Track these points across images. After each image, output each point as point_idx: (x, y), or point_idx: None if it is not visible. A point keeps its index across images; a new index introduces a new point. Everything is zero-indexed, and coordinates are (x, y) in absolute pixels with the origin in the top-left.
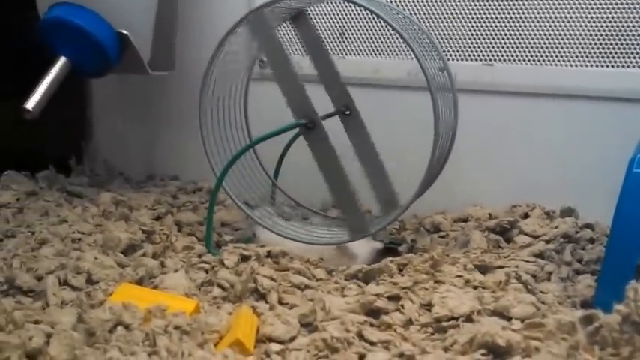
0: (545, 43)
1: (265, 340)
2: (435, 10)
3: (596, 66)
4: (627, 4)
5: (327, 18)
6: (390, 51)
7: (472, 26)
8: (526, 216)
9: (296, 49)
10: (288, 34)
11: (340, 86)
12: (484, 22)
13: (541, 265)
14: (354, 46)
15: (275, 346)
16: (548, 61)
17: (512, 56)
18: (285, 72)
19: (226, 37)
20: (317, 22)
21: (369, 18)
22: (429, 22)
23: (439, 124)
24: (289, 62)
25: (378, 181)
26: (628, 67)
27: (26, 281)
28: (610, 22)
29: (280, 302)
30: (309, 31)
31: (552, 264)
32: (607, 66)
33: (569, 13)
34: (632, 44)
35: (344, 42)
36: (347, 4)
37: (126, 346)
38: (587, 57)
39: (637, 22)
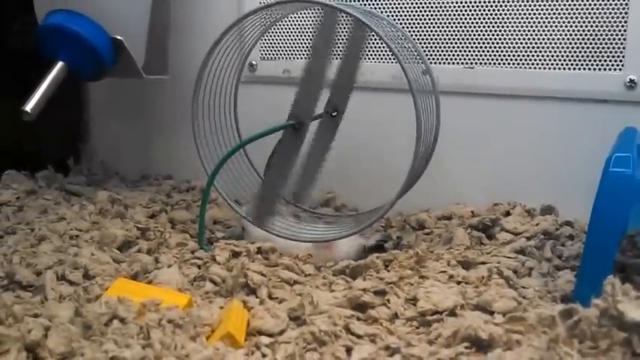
0: (523, 48)
1: (255, 334)
2: (418, 16)
3: (574, 69)
4: (602, 9)
5: (313, 22)
6: (375, 55)
7: (454, 31)
8: (507, 214)
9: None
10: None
11: (346, 90)
12: (465, 27)
13: (522, 261)
14: (339, 50)
15: (265, 339)
16: (527, 64)
17: (492, 60)
18: (318, 73)
19: (217, 42)
20: (303, 28)
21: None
22: (412, 27)
23: (422, 125)
24: (327, 66)
25: (307, 176)
26: (604, 69)
27: (25, 276)
28: (586, 26)
29: (270, 297)
30: (361, 37)
31: (533, 260)
32: (584, 69)
33: (546, 18)
34: (608, 47)
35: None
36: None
37: (121, 338)
38: (564, 60)
39: (611, 26)
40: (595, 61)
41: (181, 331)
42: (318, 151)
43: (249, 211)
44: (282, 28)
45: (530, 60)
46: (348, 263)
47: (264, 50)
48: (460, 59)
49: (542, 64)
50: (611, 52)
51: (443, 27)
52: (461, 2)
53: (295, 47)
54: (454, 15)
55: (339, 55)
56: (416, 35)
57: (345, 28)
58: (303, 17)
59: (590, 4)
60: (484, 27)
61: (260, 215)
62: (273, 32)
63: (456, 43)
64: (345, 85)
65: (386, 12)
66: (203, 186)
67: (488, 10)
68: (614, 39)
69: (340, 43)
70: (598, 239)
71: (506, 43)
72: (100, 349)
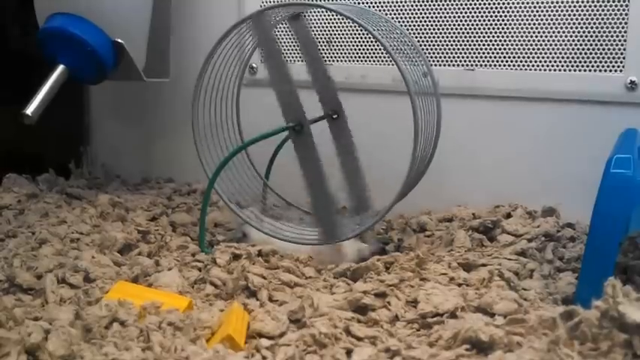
0: (524, 49)
1: (256, 336)
2: (418, 17)
3: (574, 70)
4: (602, 11)
5: (314, 26)
6: (376, 58)
7: (454, 34)
8: (509, 216)
9: (291, 56)
10: (285, 41)
11: (331, 91)
12: (465, 29)
13: (523, 263)
14: (342, 54)
15: (265, 342)
16: (527, 66)
17: (492, 62)
18: (281, 75)
19: (217, 44)
20: None
21: (355, 26)
22: (412, 29)
23: (419, 128)
24: (285, 66)
25: (353, 184)
26: (604, 71)
27: (26, 279)
28: (586, 28)
29: (270, 299)
30: (306, 34)
31: (534, 262)
32: (584, 70)
33: (546, 20)
34: (608, 49)
35: (331, 49)
36: (333, 13)
37: (121, 341)
38: (565, 62)
39: (611, 28)
40: (596, 62)
41: (181, 333)
42: (346, 153)
43: (319, 235)
44: (282, 31)
45: (531, 61)
46: (349, 265)
47: (263, 55)
48: (460, 61)
49: (543, 66)
50: (611, 53)
51: (443, 29)
52: (461, 4)
53: (295, 50)
54: (454, 17)
55: (301, 58)
56: (416, 37)
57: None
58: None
59: (590, 6)
60: (484, 29)
61: (330, 229)
62: (281, 33)
63: (456, 44)
64: (327, 85)
65: (386, 13)
66: (204, 189)
67: (489, 12)
68: (614, 41)
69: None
70: (599, 241)
71: (507, 44)
72: (100, 352)
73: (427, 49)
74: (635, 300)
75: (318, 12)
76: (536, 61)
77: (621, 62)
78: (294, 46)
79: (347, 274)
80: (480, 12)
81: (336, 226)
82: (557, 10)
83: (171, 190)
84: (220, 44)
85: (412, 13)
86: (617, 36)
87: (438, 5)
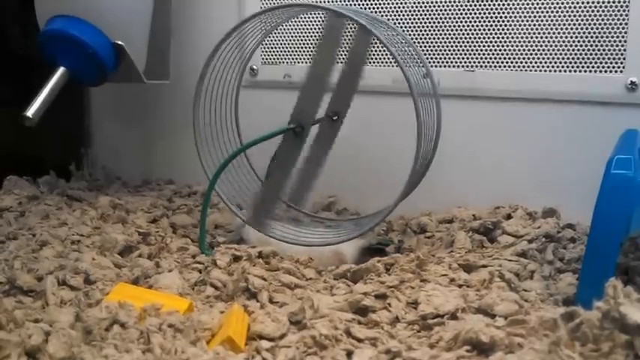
0: (524, 50)
1: (256, 338)
2: (418, 19)
3: (574, 71)
4: (602, 12)
5: (313, 27)
6: (377, 59)
7: (454, 35)
8: (509, 217)
9: (286, 59)
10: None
11: (348, 94)
12: (465, 30)
13: (524, 264)
14: (342, 55)
15: (265, 344)
16: (527, 67)
17: (492, 63)
18: (321, 78)
19: (218, 46)
20: (304, 33)
21: (355, 28)
22: (412, 30)
23: (422, 129)
24: (331, 71)
25: (304, 181)
26: (605, 72)
27: (27, 281)
28: (586, 29)
29: (271, 301)
30: (365, 43)
31: (535, 263)
32: (585, 71)
33: (547, 21)
34: (609, 50)
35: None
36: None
37: (121, 343)
38: (565, 63)
39: (612, 28)
40: (596, 63)
41: (182, 335)
42: (317, 154)
43: (247, 213)
44: (282, 33)
45: (531, 63)
46: (349, 267)
47: (265, 55)
48: (460, 62)
49: (543, 67)
50: (611, 54)
51: (443, 30)
52: (461, 5)
53: (296, 52)
54: (454, 18)
55: (342, 59)
56: (416, 38)
57: (349, 32)
58: (303, 22)
59: (590, 7)
60: (484, 30)
61: (258, 218)
62: (274, 37)
63: (456, 46)
64: (348, 90)
65: (386, 16)
66: (204, 190)
67: (489, 13)
68: (614, 41)
69: (344, 48)
70: (600, 241)
71: (507, 45)
72: (101, 354)
73: (427, 51)
74: (636, 301)
75: (318, 14)
76: (536, 62)
77: (621, 63)
78: (301, 46)
79: (347, 275)
80: (479, 13)
81: (265, 217)
82: (557, 11)
83: (172, 192)
84: (221, 46)
85: (412, 15)
86: (618, 37)
87: (438, 7)
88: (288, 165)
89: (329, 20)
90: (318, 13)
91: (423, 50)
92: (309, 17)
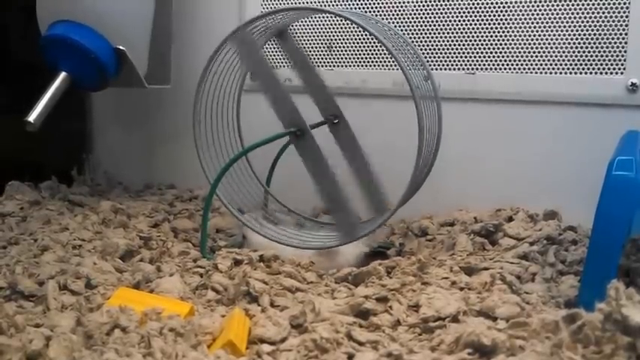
0: (524, 53)
1: (257, 342)
2: (419, 22)
3: (575, 73)
4: (603, 13)
5: (315, 31)
6: (377, 62)
7: (454, 38)
8: (510, 219)
9: (286, 62)
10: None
11: (327, 97)
12: (466, 33)
13: (525, 266)
14: (342, 58)
15: (266, 347)
16: (528, 69)
17: (493, 65)
18: (271, 84)
19: (217, 51)
20: (305, 35)
21: (356, 31)
22: (412, 33)
23: (424, 133)
24: (274, 75)
25: (368, 187)
26: (605, 73)
27: (28, 286)
28: (587, 31)
29: (272, 305)
30: (293, 47)
31: (536, 265)
32: (585, 73)
33: (547, 23)
34: (609, 51)
35: (332, 54)
36: (334, 18)
37: (122, 347)
38: (566, 64)
39: (612, 30)
40: (597, 65)
41: (183, 339)
42: (354, 156)
43: (338, 235)
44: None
45: (532, 65)
46: (351, 270)
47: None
48: (461, 65)
49: (544, 69)
50: (612, 55)
51: (443, 33)
52: (461, 8)
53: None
54: (455, 21)
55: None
56: (416, 41)
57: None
58: (304, 25)
59: (590, 8)
60: (485, 32)
61: (348, 229)
62: (274, 40)
63: (456, 48)
64: (322, 90)
65: (386, 18)
66: (206, 195)
67: (489, 16)
68: (615, 43)
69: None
70: (601, 243)
71: (507, 48)
72: (101, 359)
73: (428, 54)
74: (638, 302)
75: (318, 17)
76: (536, 64)
77: (622, 64)
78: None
79: (348, 278)
80: (480, 16)
81: (355, 225)
82: (557, 13)
83: (173, 197)
84: (220, 51)
85: (412, 18)
86: (618, 38)
87: (439, 9)
88: (322, 165)
89: (237, 37)
90: (319, 17)
91: (423, 53)
92: (309, 21)
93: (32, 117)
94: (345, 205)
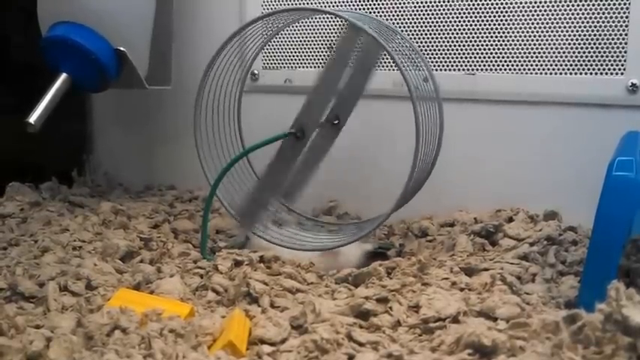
0: (524, 53)
1: (257, 342)
2: (419, 22)
3: (575, 73)
4: (603, 14)
5: (316, 32)
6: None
7: (454, 38)
8: (510, 220)
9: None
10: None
11: (353, 102)
12: (466, 33)
13: (525, 267)
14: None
15: (267, 348)
16: (528, 69)
17: (493, 66)
18: (329, 86)
19: (219, 52)
20: (305, 37)
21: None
22: (413, 34)
23: (421, 134)
24: (340, 80)
25: (300, 178)
26: (605, 74)
27: (28, 287)
28: (587, 31)
29: (272, 305)
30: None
31: (536, 266)
32: (585, 73)
33: (547, 24)
34: (609, 52)
35: (330, 55)
36: (334, 19)
37: (122, 348)
38: (566, 65)
39: (612, 30)
40: (597, 65)
41: (183, 340)
42: (314, 157)
43: (238, 212)
44: (284, 38)
45: (532, 65)
46: (351, 271)
47: (266, 60)
48: (461, 65)
49: (544, 70)
50: (612, 56)
51: (443, 33)
52: (461, 9)
53: (297, 56)
54: (455, 21)
55: (351, 65)
56: (417, 42)
57: (360, 40)
58: (305, 26)
59: (590, 9)
60: (485, 33)
61: (248, 218)
62: (275, 42)
63: (456, 49)
64: (352, 95)
65: (387, 19)
66: (206, 196)
67: (489, 16)
68: (615, 43)
69: (354, 54)
70: (602, 244)
71: (507, 48)
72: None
73: (428, 54)
74: (638, 303)
75: (319, 18)
76: (536, 65)
77: (622, 65)
78: (302, 51)
79: (348, 279)
80: (480, 16)
81: (254, 218)
82: (557, 14)
83: (174, 198)
84: (222, 51)
85: (413, 18)
86: (618, 38)
87: (439, 10)
88: (285, 168)
89: (347, 28)
90: (319, 18)
91: (423, 53)
92: (310, 22)
93: (33, 118)
94: (264, 203)
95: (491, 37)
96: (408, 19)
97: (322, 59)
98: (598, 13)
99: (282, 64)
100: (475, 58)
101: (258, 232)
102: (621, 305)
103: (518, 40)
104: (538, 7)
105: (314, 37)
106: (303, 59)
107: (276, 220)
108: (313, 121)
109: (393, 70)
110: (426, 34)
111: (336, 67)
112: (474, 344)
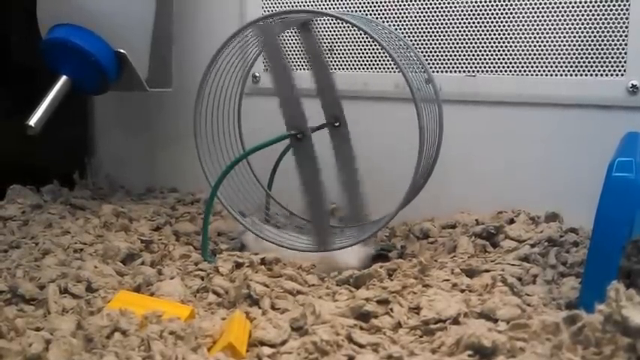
0: (525, 55)
1: (257, 344)
2: (420, 24)
3: (575, 75)
4: (603, 15)
5: (317, 34)
6: (378, 65)
7: (455, 39)
8: (511, 221)
9: (294, 64)
10: (289, 48)
11: (334, 99)
12: (466, 35)
13: (526, 268)
14: (344, 61)
15: (267, 350)
16: (529, 71)
17: (493, 68)
18: (285, 83)
19: (218, 53)
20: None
21: (357, 34)
22: (413, 36)
23: (424, 135)
24: (290, 73)
25: (350, 194)
26: (606, 75)
27: (28, 290)
28: (587, 33)
29: (273, 307)
30: (312, 40)
31: (537, 267)
32: (586, 75)
33: (547, 25)
34: (610, 53)
35: (333, 57)
36: (334, 21)
37: (122, 350)
38: (566, 67)
39: (612, 32)
40: (597, 67)
41: (183, 342)
42: (345, 163)
43: (312, 241)
44: (284, 40)
45: (532, 67)
46: (352, 273)
47: (266, 62)
48: (462, 67)
49: (544, 71)
50: (612, 57)
51: (444, 35)
52: (462, 10)
53: (298, 58)
54: (455, 23)
55: (307, 65)
56: (417, 44)
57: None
58: None
59: (590, 10)
60: (485, 35)
61: (322, 237)
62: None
63: (457, 51)
64: (329, 92)
65: (387, 21)
66: (207, 198)
67: (490, 18)
68: (615, 45)
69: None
70: (602, 245)
71: (508, 50)
72: None
73: (428, 56)
74: (638, 304)
75: (319, 20)
76: (537, 67)
77: (622, 66)
78: (297, 53)
79: (350, 281)
80: (480, 18)
81: (328, 234)
82: (557, 15)
83: (175, 200)
84: (222, 52)
85: (413, 21)
86: (618, 40)
87: (440, 12)
88: (313, 170)
89: (259, 31)
90: (320, 19)
91: (423, 55)
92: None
93: (33, 121)
94: (325, 217)
95: (492, 39)
96: (409, 21)
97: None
98: (598, 15)
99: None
100: (476, 59)
101: (260, 234)
102: (621, 306)
103: (518, 42)
104: (538, 8)
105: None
106: (303, 61)
107: (278, 222)
108: (301, 120)
109: (394, 72)
110: (426, 36)
111: (277, 66)
112: (475, 345)
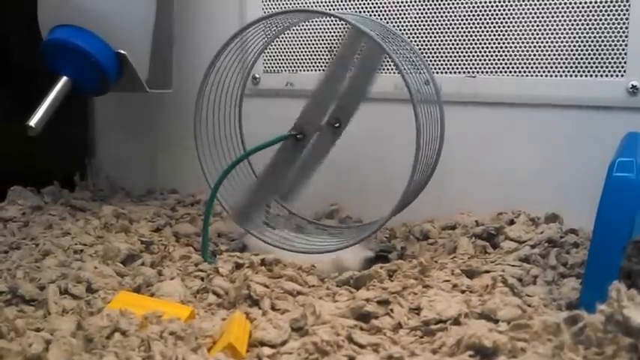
0: (525, 56)
1: (257, 345)
2: (420, 25)
3: (576, 76)
4: (603, 16)
5: (316, 35)
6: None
7: (455, 40)
8: (512, 222)
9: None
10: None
11: (356, 104)
12: (466, 36)
13: (527, 269)
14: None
15: (267, 350)
16: (529, 72)
17: (493, 68)
18: (331, 88)
19: (218, 54)
20: (306, 40)
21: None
22: (413, 36)
23: (422, 137)
24: (341, 80)
25: (296, 182)
26: (606, 76)
27: (29, 291)
28: (587, 33)
29: (273, 308)
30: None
31: (538, 268)
32: (586, 75)
33: (547, 26)
34: (610, 54)
35: (333, 57)
36: (335, 22)
37: (122, 351)
38: (566, 67)
39: (612, 32)
40: (597, 67)
41: (183, 342)
42: (313, 159)
43: (234, 210)
44: (285, 41)
45: (532, 68)
46: (352, 274)
47: (267, 63)
48: (462, 68)
49: (544, 72)
50: (612, 58)
51: (444, 36)
52: (462, 11)
53: (298, 60)
54: (455, 24)
55: (352, 68)
56: (417, 44)
57: (362, 42)
58: (306, 29)
59: (590, 11)
60: (485, 36)
61: (243, 216)
62: (275, 45)
63: (457, 52)
64: (354, 99)
65: (387, 21)
66: (207, 200)
67: (490, 19)
68: (615, 45)
69: (355, 57)
70: (602, 245)
71: (508, 51)
72: None
73: (428, 57)
74: (639, 304)
75: (319, 20)
76: (537, 67)
77: (622, 67)
78: (303, 54)
79: (350, 282)
80: (480, 19)
81: (252, 216)
82: (557, 16)
83: (175, 201)
84: (222, 53)
85: (413, 21)
86: (618, 40)
87: (439, 13)
88: (284, 169)
89: (350, 31)
90: (320, 20)
91: (424, 56)
92: (311, 24)
93: (33, 121)
94: (261, 203)
95: (492, 39)
96: (409, 21)
97: (324, 62)
98: (598, 16)
99: (284, 67)
100: (476, 60)
101: (259, 235)
102: (622, 306)
103: (518, 43)
104: (538, 9)
105: (315, 39)
106: (304, 62)
107: (277, 223)
108: (314, 124)
109: (394, 72)
110: (426, 37)
111: (338, 70)
112: (475, 346)
